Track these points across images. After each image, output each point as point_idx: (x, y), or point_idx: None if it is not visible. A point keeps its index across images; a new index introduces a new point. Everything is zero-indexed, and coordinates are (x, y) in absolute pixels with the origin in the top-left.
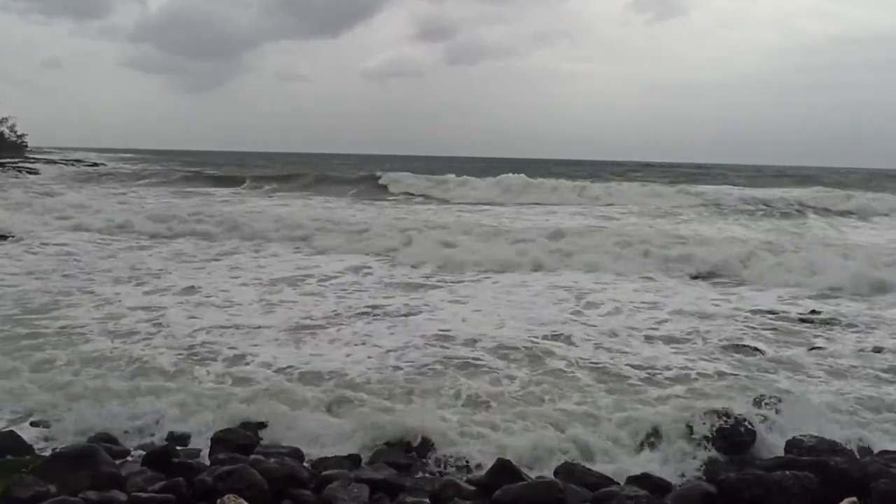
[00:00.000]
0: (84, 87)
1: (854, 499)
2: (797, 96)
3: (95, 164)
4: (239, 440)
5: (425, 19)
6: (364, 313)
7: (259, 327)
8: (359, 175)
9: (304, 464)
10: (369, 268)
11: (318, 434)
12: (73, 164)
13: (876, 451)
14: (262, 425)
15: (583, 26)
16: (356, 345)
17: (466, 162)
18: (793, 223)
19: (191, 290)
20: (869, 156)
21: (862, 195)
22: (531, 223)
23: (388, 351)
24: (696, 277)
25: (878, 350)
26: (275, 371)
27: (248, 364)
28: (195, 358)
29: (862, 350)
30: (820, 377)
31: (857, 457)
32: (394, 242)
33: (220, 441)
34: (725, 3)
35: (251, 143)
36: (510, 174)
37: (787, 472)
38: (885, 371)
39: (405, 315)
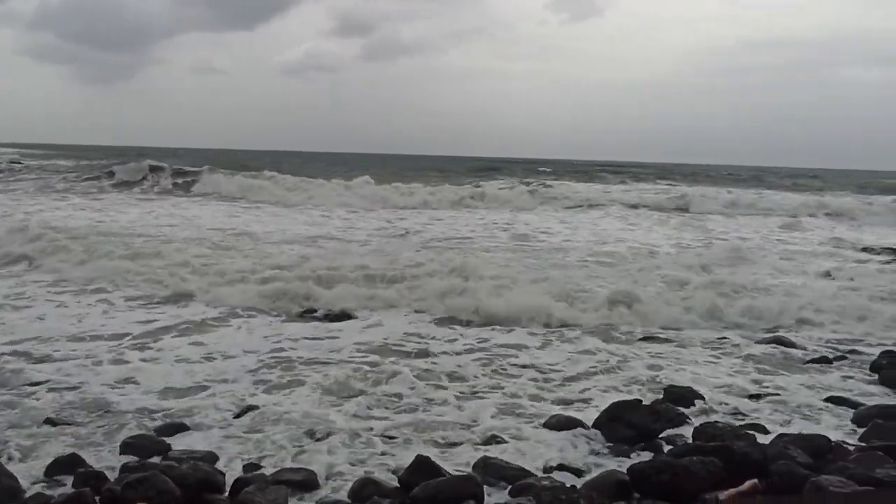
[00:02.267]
0: None
1: (755, 480)
2: (709, 97)
3: None
4: (151, 446)
5: (343, 14)
6: None
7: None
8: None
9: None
10: None
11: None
12: None
13: (775, 435)
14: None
15: (502, 25)
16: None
17: (385, 160)
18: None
19: None
20: (781, 154)
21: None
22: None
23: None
24: None
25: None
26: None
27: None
28: None
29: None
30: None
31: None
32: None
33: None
34: (640, 5)
35: (163, 139)
36: (361, 178)
37: (695, 458)
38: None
39: None
